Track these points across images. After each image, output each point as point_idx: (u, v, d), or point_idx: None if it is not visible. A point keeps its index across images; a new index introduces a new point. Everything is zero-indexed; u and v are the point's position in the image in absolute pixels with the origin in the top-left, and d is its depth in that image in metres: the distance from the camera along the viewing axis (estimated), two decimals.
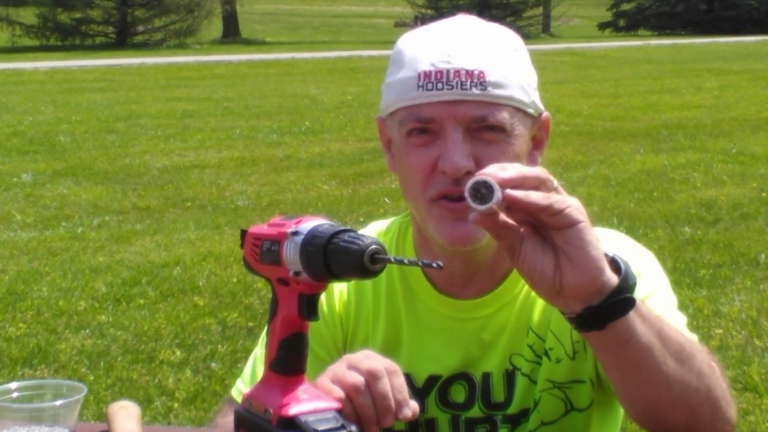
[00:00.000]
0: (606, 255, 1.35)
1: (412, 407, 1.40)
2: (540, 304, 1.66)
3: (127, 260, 6.41)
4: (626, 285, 1.34)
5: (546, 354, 1.65)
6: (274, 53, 30.61)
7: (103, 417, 1.57)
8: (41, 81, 20.08)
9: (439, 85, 1.54)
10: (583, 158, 10.26)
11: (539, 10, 49.55)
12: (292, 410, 1.32)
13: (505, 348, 1.67)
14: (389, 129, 1.65)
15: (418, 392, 1.67)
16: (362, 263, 1.24)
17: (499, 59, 1.57)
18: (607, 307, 1.33)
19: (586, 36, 46.18)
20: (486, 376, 1.67)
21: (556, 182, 1.35)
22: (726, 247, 6.54)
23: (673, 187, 8.74)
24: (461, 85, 1.54)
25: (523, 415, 1.67)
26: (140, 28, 37.99)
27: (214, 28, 39.79)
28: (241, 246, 1.40)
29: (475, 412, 1.67)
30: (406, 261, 1.29)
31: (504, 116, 1.55)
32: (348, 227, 1.28)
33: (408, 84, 1.57)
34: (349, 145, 11.38)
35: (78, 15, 36.76)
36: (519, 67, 1.60)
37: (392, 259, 1.27)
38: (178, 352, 4.79)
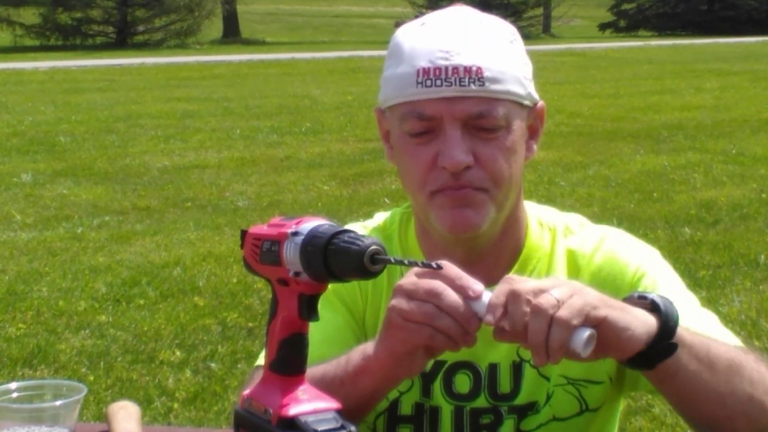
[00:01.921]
0: (643, 297, 1.43)
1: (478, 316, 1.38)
2: None
3: (127, 260, 6.41)
4: (668, 328, 1.39)
5: None
6: (274, 53, 30.62)
7: (103, 417, 1.58)
8: (41, 81, 20.09)
9: (438, 82, 1.55)
10: (583, 159, 10.26)
11: (540, 11, 49.55)
12: (292, 410, 1.32)
13: None
14: (388, 121, 1.67)
15: (425, 376, 1.68)
16: (362, 264, 1.24)
17: (496, 54, 1.58)
18: (653, 354, 1.39)
19: (587, 36, 46.20)
20: (493, 367, 1.68)
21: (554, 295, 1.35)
22: (726, 248, 6.54)
23: (673, 187, 8.74)
24: (459, 81, 1.55)
25: (531, 407, 1.68)
26: (140, 28, 37.98)
27: (215, 28, 39.79)
28: (242, 246, 1.40)
29: (481, 402, 1.68)
30: (406, 261, 1.30)
31: (501, 111, 1.57)
32: (348, 228, 1.28)
33: (407, 80, 1.58)
34: (350, 145, 11.39)
35: (78, 15, 36.74)
36: (515, 60, 1.61)
37: (392, 260, 1.27)
38: (178, 353, 4.79)
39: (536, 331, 1.32)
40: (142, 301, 5.58)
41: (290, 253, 1.29)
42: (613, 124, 13.08)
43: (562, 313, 1.31)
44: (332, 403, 1.35)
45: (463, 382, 1.69)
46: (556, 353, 1.32)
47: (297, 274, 1.30)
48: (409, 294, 1.38)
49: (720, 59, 26.59)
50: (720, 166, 9.81)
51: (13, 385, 1.48)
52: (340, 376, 1.55)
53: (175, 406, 4.21)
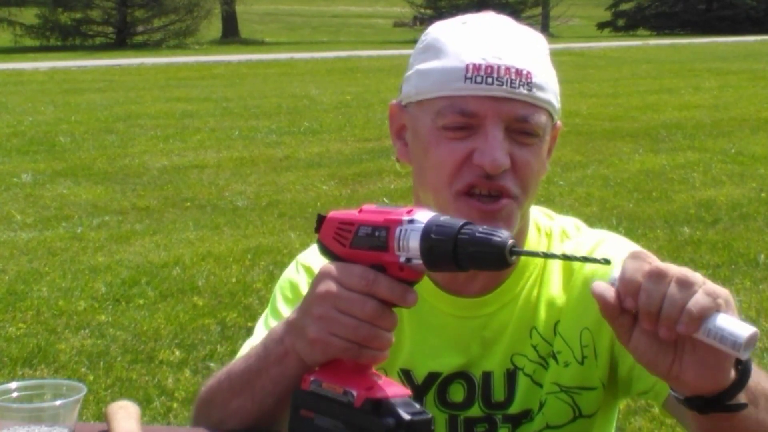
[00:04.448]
0: None
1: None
2: (544, 304, 1.67)
3: (126, 260, 6.41)
4: (741, 385, 1.30)
5: (553, 357, 1.65)
6: (273, 53, 30.61)
7: (103, 417, 1.58)
8: (41, 81, 20.08)
9: (489, 80, 1.53)
10: (582, 158, 10.25)
11: (538, 10, 49.56)
12: (379, 393, 1.32)
13: (506, 347, 1.66)
14: (409, 115, 1.63)
15: (418, 389, 1.67)
16: (503, 255, 1.24)
17: (541, 62, 1.59)
18: (719, 407, 1.31)
19: (585, 36, 46.17)
20: (487, 375, 1.67)
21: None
22: (725, 248, 6.54)
23: (672, 187, 8.74)
24: (511, 83, 1.53)
25: (525, 415, 1.66)
26: (140, 28, 38.00)
27: (214, 28, 39.78)
28: (317, 230, 1.39)
29: (475, 411, 1.67)
30: (540, 253, 1.38)
31: (542, 119, 1.57)
32: (466, 219, 1.29)
33: (453, 74, 1.55)
34: (348, 145, 11.39)
35: (78, 15, 36.77)
36: (553, 73, 1.63)
37: (531, 253, 1.35)
38: (177, 352, 4.80)
39: (677, 300, 1.22)
40: (141, 301, 5.58)
41: (406, 240, 1.29)
42: (611, 123, 13.08)
43: (710, 287, 1.23)
44: (403, 389, 1.35)
45: (456, 392, 1.68)
46: (693, 321, 1.21)
47: (408, 260, 1.30)
48: (340, 304, 1.35)
49: (718, 58, 26.59)
50: (719, 165, 9.81)
51: (13, 384, 1.47)
52: (256, 366, 1.51)
53: (175, 405, 4.21)
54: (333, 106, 15.35)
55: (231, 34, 41.90)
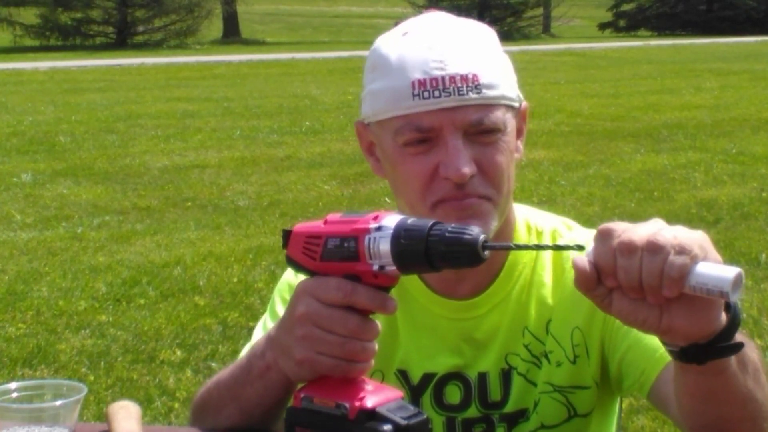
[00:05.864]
0: None
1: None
2: (535, 304, 1.67)
3: (127, 260, 6.41)
4: (734, 325, 1.28)
5: (546, 357, 1.65)
6: (274, 53, 30.61)
7: (103, 417, 1.57)
8: (41, 81, 20.08)
9: (436, 93, 1.52)
10: (583, 158, 10.25)
11: (539, 11, 49.52)
12: (370, 402, 1.31)
13: (500, 347, 1.67)
14: (374, 134, 1.63)
15: (414, 390, 1.67)
16: (476, 251, 1.23)
17: (486, 58, 1.56)
18: (714, 350, 1.28)
19: (587, 36, 46.20)
20: (482, 376, 1.67)
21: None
22: (727, 247, 6.53)
23: (673, 187, 8.74)
24: (458, 91, 1.52)
25: (521, 414, 1.67)
26: (140, 28, 37.98)
27: (214, 28, 39.78)
28: (284, 246, 1.37)
29: (472, 412, 1.67)
30: (512, 246, 1.34)
31: (498, 116, 1.55)
32: (435, 219, 1.28)
33: (401, 92, 1.54)
34: (350, 145, 11.38)
35: (78, 15, 36.74)
36: (503, 62, 1.60)
37: (513, 246, 1.32)
38: (178, 352, 4.79)
39: (653, 270, 1.18)
40: (142, 301, 5.58)
41: (376, 248, 1.28)
42: (613, 123, 13.08)
43: (681, 243, 1.18)
44: (395, 392, 1.35)
45: (453, 393, 1.68)
46: (675, 284, 1.17)
47: (381, 267, 1.29)
48: (322, 323, 1.34)
49: (719, 59, 26.59)
50: (720, 165, 9.81)
51: (13, 385, 1.47)
52: (241, 379, 1.53)
53: (176, 405, 4.20)
54: (334, 106, 15.35)
55: (232, 34, 41.89)
